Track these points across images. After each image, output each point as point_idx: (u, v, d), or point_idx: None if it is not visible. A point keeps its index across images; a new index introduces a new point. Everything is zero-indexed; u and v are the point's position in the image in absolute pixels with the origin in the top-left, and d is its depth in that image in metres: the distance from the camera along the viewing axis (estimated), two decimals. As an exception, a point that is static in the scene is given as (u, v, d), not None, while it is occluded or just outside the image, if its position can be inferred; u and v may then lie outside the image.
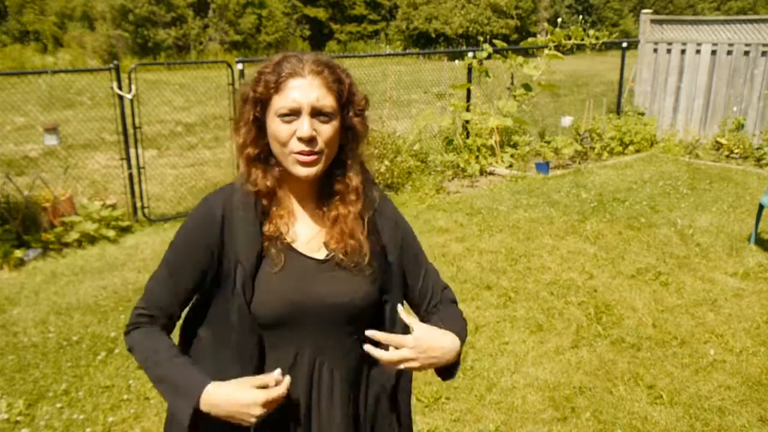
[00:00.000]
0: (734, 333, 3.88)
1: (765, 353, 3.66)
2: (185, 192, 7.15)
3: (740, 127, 8.67)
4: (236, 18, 27.70)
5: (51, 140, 9.62)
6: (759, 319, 4.07)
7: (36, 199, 5.58)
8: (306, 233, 1.39)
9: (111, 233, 5.58)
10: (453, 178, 7.65)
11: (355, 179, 1.39)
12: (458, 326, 1.45)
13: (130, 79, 5.86)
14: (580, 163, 8.35)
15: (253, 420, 1.27)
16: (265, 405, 1.26)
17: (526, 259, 5.06)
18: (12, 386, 3.39)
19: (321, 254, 1.38)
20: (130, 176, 6.09)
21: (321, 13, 32.74)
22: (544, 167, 7.83)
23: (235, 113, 1.40)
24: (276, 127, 1.29)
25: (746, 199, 6.59)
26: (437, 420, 3.07)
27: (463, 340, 1.43)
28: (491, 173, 7.90)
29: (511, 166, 8.04)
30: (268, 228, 1.36)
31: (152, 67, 20.28)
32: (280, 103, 1.28)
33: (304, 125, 1.27)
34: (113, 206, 5.93)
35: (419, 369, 1.35)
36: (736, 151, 8.42)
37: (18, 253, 5.06)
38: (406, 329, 1.40)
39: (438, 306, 1.51)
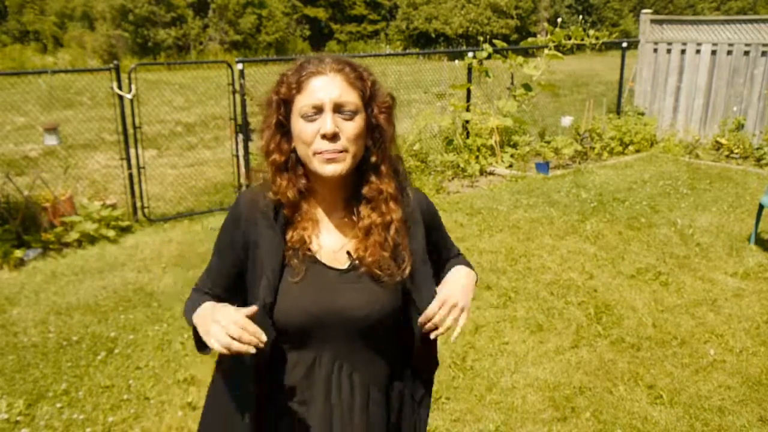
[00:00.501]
0: (734, 333, 3.88)
1: (765, 353, 3.66)
2: (185, 192, 7.15)
3: (740, 127, 8.67)
4: (236, 18, 27.71)
5: (51, 140, 9.62)
6: (759, 319, 4.07)
7: (36, 199, 5.58)
8: (331, 243, 1.38)
9: (111, 233, 5.58)
10: (453, 178, 7.65)
11: (387, 185, 1.36)
12: (466, 265, 1.55)
13: (130, 79, 5.86)
14: (580, 163, 8.35)
15: (212, 342, 1.20)
16: (232, 333, 1.18)
17: (526, 259, 5.06)
18: (12, 386, 3.39)
19: (344, 264, 1.37)
20: (130, 176, 6.09)
21: (321, 13, 32.76)
22: (544, 167, 7.83)
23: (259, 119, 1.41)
24: (300, 128, 1.30)
25: (746, 199, 6.59)
26: (437, 420, 3.07)
27: (472, 269, 1.52)
28: (491, 173, 7.90)
29: (511, 166, 8.04)
30: (291, 237, 1.36)
31: (152, 67, 20.29)
32: (302, 101, 1.29)
33: (327, 121, 1.27)
34: (113, 206, 5.93)
35: (465, 309, 1.38)
36: (736, 151, 8.42)
37: (18, 253, 5.06)
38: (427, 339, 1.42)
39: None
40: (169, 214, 6.37)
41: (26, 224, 5.43)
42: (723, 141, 8.58)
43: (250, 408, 1.35)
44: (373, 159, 1.36)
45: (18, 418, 3.11)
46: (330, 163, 1.29)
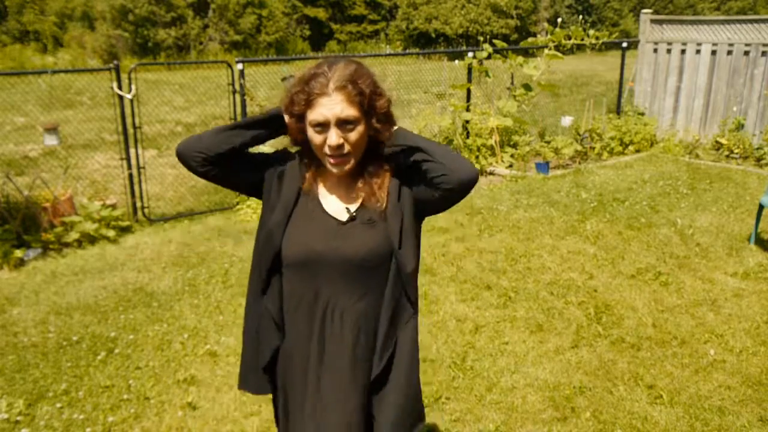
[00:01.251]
0: (734, 333, 3.88)
1: (765, 353, 3.66)
2: (185, 192, 7.16)
3: (740, 127, 8.67)
4: (236, 18, 27.70)
5: (51, 140, 9.62)
6: (759, 319, 4.07)
7: (36, 199, 5.58)
8: (337, 198, 1.69)
9: (111, 233, 5.58)
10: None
11: (384, 165, 1.68)
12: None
13: (130, 79, 5.86)
14: (580, 163, 8.35)
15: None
16: None
17: (526, 259, 5.06)
18: (12, 386, 3.39)
19: (343, 218, 1.66)
20: (130, 176, 6.09)
21: (321, 13, 32.74)
22: (544, 167, 7.83)
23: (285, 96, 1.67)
24: (311, 135, 1.59)
25: (746, 199, 6.59)
26: (437, 420, 3.07)
27: (435, 148, 1.63)
28: (491, 173, 7.90)
29: (511, 166, 8.04)
30: (307, 187, 1.69)
31: (152, 67, 20.29)
32: (311, 116, 1.56)
33: (332, 136, 1.55)
34: (113, 206, 5.93)
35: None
36: (736, 151, 8.42)
37: (18, 253, 5.06)
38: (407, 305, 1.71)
39: None
40: (169, 214, 6.37)
41: (26, 224, 5.43)
42: (723, 141, 8.58)
43: (272, 323, 1.71)
44: (375, 149, 1.65)
45: (18, 418, 3.12)
46: (336, 166, 1.60)
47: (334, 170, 1.61)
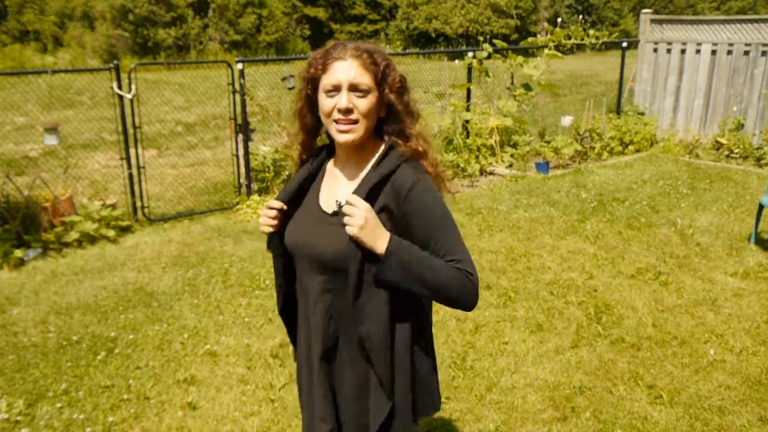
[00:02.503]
0: (734, 333, 3.88)
1: (765, 353, 3.66)
2: (185, 192, 7.16)
3: (740, 126, 8.67)
4: (236, 18, 27.71)
5: (51, 140, 9.62)
6: (759, 319, 4.07)
7: (36, 199, 5.58)
8: (334, 190, 1.70)
9: (111, 233, 5.58)
10: (453, 178, 7.64)
11: (392, 153, 1.63)
12: (456, 273, 1.57)
13: (130, 78, 5.86)
14: (580, 162, 8.35)
15: (265, 228, 1.73)
16: (263, 217, 1.72)
17: (526, 259, 5.06)
18: (12, 386, 3.39)
19: (331, 208, 1.67)
20: (130, 176, 6.09)
21: (321, 13, 32.75)
22: (544, 167, 7.83)
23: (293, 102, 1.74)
24: (322, 102, 1.61)
25: (746, 199, 6.59)
26: (437, 420, 3.07)
27: (411, 259, 1.54)
28: (491, 173, 7.90)
29: (511, 165, 8.04)
30: (312, 181, 1.74)
31: (152, 67, 20.29)
32: (325, 80, 1.59)
33: (343, 98, 1.57)
34: (113, 206, 5.93)
35: (351, 231, 1.53)
36: (736, 150, 8.42)
37: (18, 253, 5.06)
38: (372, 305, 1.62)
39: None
40: (169, 214, 6.37)
41: (26, 224, 5.43)
42: (723, 141, 8.58)
43: (281, 294, 1.82)
44: (386, 130, 1.66)
45: (18, 418, 3.12)
46: (344, 133, 1.59)
47: (341, 138, 1.60)
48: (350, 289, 1.59)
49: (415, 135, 1.65)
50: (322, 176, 1.75)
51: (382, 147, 1.66)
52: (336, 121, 1.59)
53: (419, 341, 1.71)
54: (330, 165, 1.76)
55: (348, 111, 1.57)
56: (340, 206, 1.59)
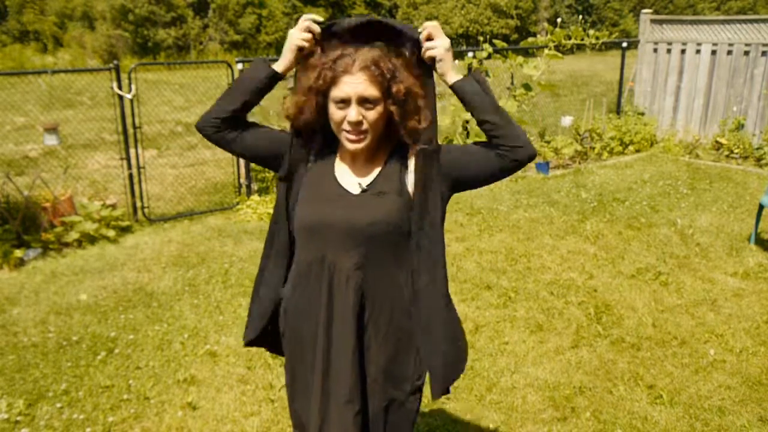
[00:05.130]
0: (734, 333, 3.88)
1: (765, 353, 3.66)
2: (185, 192, 7.15)
3: (740, 127, 8.67)
4: (236, 18, 27.70)
5: (51, 140, 9.62)
6: (759, 319, 4.07)
7: (36, 199, 5.58)
8: (351, 173, 1.76)
9: (111, 233, 5.58)
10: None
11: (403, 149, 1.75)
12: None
13: (130, 79, 5.85)
14: (580, 163, 8.35)
15: (298, 41, 1.71)
16: (301, 29, 1.72)
17: (526, 259, 5.06)
18: (12, 386, 3.39)
19: (356, 190, 1.73)
20: (130, 176, 6.09)
21: (321, 13, 32.65)
22: (544, 167, 7.83)
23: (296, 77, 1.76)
24: (333, 111, 1.67)
25: (746, 199, 6.59)
26: (437, 420, 3.07)
27: (484, 90, 1.70)
28: (491, 173, 7.89)
29: (511, 166, 8.02)
30: (323, 160, 1.78)
31: (152, 67, 20.28)
32: (335, 93, 1.64)
33: (352, 113, 1.63)
34: (113, 206, 5.93)
35: (438, 52, 1.67)
36: (736, 151, 8.42)
37: (18, 253, 5.06)
38: (429, 256, 1.75)
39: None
40: (169, 214, 6.37)
41: (26, 224, 5.42)
42: (723, 141, 8.58)
43: (278, 285, 1.84)
44: (393, 129, 1.71)
45: (18, 418, 3.11)
46: (353, 143, 1.67)
47: (350, 146, 1.67)
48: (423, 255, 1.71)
49: (422, 130, 1.71)
50: (332, 162, 1.79)
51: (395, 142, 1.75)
52: (346, 131, 1.66)
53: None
54: (341, 149, 1.78)
55: (358, 123, 1.64)
56: (364, 189, 1.72)
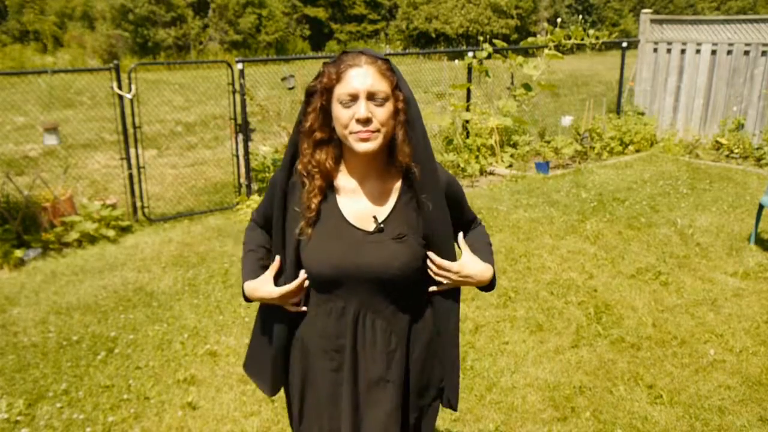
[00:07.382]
0: (734, 333, 3.88)
1: (765, 353, 3.66)
2: (185, 192, 7.16)
3: (740, 126, 8.67)
4: (236, 18, 27.69)
5: (51, 140, 9.62)
6: (759, 319, 4.07)
7: (36, 199, 5.58)
8: (361, 208, 1.62)
9: (111, 233, 5.58)
10: (453, 178, 7.63)
11: (404, 158, 1.57)
12: (490, 255, 1.76)
13: (130, 78, 5.86)
14: (580, 162, 8.35)
15: (287, 307, 1.69)
16: (280, 298, 1.66)
17: (526, 259, 5.06)
18: (12, 386, 3.39)
19: (370, 227, 1.61)
20: (130, 176, 6.09)
21: (321, 13, 32.72)
22: (544, 167, 7.83)
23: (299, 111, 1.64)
24: (338, 112, 1.53)
25: (746, 199, 6.59)
26: (437, 420, 3.06)
27: (493, 266, 1.73)
28: (491, 173, 7.90)
29: (511, 165, 8.04)
30: (324, 200, 1.62)
31: (152, 67, 20.28)
32: (341, 90, 1.51)
33: (361, 108, 1.49)
34: (113, 206, 5.93)
35: (453, 285, 1.69)
36: (736, 150, 8.42)
37: (18, 253, 5.06)
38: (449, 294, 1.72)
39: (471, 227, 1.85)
40: (169, 214, 6.37)
41: (26, 224, 5.43)
42: (723, 141, 8.58)
43: (283, 342, 1.74)
44: (397, 140, 1.56)
45: (18, 418, 3.12)
46: (363, 142, 1.52)
47: (361, 147, 1.51)
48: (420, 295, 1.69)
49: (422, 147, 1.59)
50: (334, 192, 1.63)
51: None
52: (354, 132, 1.51)
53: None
54: (342, 180, 1.64)
55: (367, 121, 1.50)
56: (379, 225, 1.61)
